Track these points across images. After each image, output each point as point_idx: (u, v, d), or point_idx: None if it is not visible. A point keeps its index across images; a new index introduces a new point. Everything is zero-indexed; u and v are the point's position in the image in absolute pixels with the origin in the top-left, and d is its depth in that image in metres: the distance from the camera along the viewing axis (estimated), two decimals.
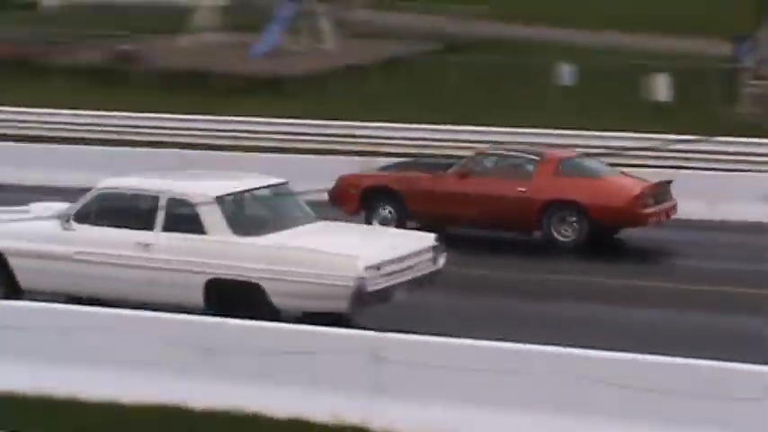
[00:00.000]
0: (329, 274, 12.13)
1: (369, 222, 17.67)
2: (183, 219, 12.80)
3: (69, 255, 12.86)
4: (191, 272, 12.54)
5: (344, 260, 12.30)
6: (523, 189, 17.35)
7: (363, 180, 18.63)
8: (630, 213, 17.10)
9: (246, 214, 13.44)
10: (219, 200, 12.86)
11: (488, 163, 18.26)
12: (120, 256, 12.71)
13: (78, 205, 13.24)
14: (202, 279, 12.52)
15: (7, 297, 12.76)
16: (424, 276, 13.23)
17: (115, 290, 12.87)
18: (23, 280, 13.23)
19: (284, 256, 12.47)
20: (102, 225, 13.00)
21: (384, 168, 19.52)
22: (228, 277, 12.49)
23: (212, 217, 12.68)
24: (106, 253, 12.74)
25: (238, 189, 13.49)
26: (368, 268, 12.30)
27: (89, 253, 12.80)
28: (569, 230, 17.22)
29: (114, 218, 13.04)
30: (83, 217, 13.08)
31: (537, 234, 17.69)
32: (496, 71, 34.15)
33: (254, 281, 12.36)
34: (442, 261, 13.41)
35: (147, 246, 12.71)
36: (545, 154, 18.35)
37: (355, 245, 13.04)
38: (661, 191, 17.88)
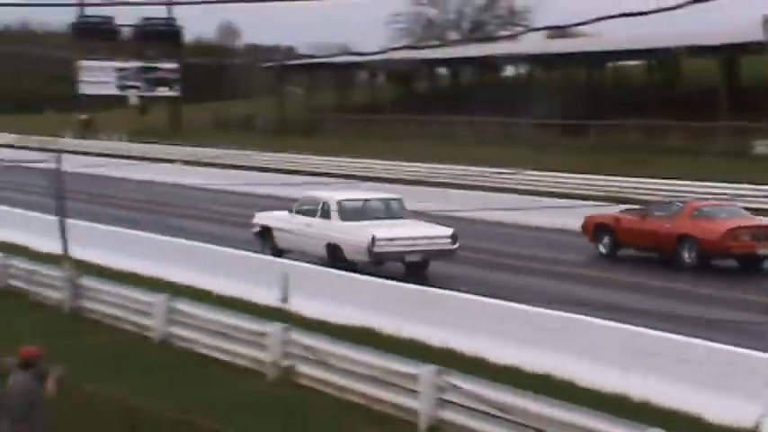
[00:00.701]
0: (361, 241, 22.81)
1: (596, 248, 26.93)
2: (325, 212, 23.91)
3: (290, 229, 24.48)
4: (321, 238, 23.64)
5: (367, 234, 22.76)
6: (668, 226, 25.11)
7: (595, 219, 27.64)
8: (720, 246, 24.42)
9: (352, 210, 24.00)
10: (339, 203, 24.01)
11: (656, 208, 26.52)
12: (300, 230, 24.22)
13: (296, 205, 25.22)
14: (325, 242, 23.50)
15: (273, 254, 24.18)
16: (437, 252, 23.44)
17: (300, 246, 24.39)
18: (278, 242, 25.02)
19: (352, 232, 23.10)
20: (300, 215, 24.67)
21: (622, 211, 27.93)
22: (332, 241, 23.36)
23: (333, 211, 23.79)
24: (298, 229, 24.29)
25: (354, 197, 25.57)
26: (378, 239, 22.70)
27: (295, 229, 24.37)
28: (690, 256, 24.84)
29: (304, 212, 24.63)
30: (296, 211, 24.91)
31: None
32: None
33: (339, 243, 23.19)
34: (455, 246, 23.39)
35: (310, 225, 24.07)
36: (687, 203, 26.36)
37: (387, 229, 23.26)
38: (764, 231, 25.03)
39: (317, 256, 23.49)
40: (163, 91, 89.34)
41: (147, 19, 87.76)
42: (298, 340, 15.31)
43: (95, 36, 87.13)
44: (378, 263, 22.87)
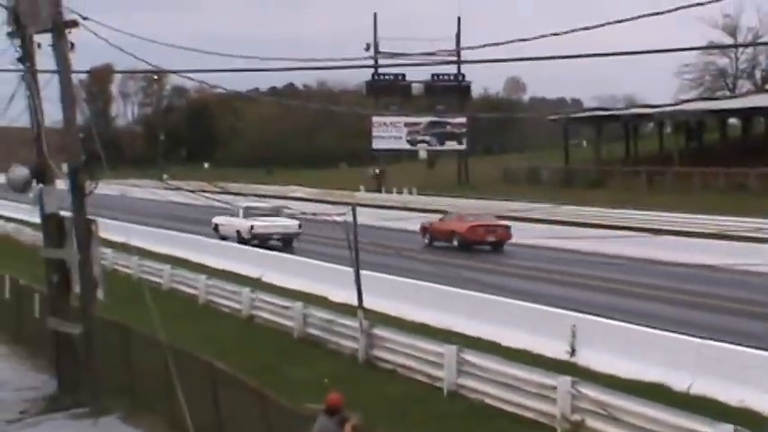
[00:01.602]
0: (247, 228, 43.31)
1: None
2: (237, 214, 44.06)
3: (225, 223, 45.29)
4: (234, 227, 44.21)
5: (250, 224, 43.21)
6: (447, 226, 40.65)
7: (423, 224, 45.74)
8: (467, 235, 42.80)
9: (250, 213, 44.40)
10: (244, 208, 44.36)
11: (446, 216, 43.69)
12: (229, 224, 44.73)
13: (229, 212, 43.76)
14: (235, 229, 43.72)
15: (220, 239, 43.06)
16: (290, 234, 43.50)
17: (229, 233, 44.27)
18: (221, 231, 45.31)
19: (245, 224, 43.59)
20: (230, 216, 44.14)
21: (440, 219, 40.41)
22: (238, 228, 43.85)
23: (241, 213, 43.72)
24: (228, 223, 44.86)
25: (254, 206, 46.61)
26: (255, 227, 43.01)
27: (226, 223, 44.99)
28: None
29: (230, 214, 43.82)
30: (229, 215, 44.16)
31: None
32: None
33: (240, 229, 43.67)
34: (300, 231, 43.25)
35: (231, 221, 44.42)
36: (457, 212, 39.83)
37: (263, 222, 43.44)
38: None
39: (234, 237, 43.23)
40: (451, 145, 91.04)
41: (437, 75, 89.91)
42: (587, 394, 15.23)
43: (388, 93, 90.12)
44: (256, 239, 42.48)
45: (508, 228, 43.57)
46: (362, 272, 21.53)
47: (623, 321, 21.08)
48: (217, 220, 45.72)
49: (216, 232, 45.29)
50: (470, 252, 41.57)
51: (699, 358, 17.52)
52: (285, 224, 43.93)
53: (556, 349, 19.91)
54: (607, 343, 19.33)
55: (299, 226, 43.29)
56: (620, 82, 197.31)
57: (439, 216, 46.92)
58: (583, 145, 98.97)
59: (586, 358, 19.25)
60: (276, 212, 45.17)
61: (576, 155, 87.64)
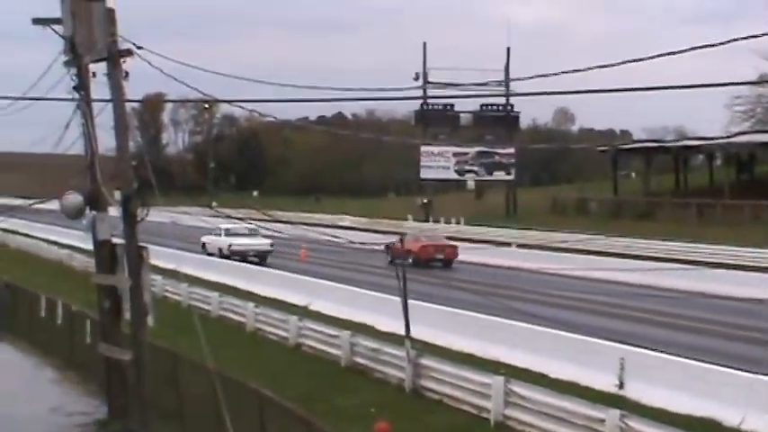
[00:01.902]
0: (227, 246, 50.85)
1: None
2: (219, 233, 51.97)
3: (210, 242, 52.65)
4: (217, 245, 51.63)
5: (229, 242, 50.71)
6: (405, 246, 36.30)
7: (387, 244, 46.04)
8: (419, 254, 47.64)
9: (230, 233, 51.04)
10: (225, 229, 50.70)
11: (407, 237, 41.31)
12: (213, 242, 52.32)
13: (215, 232, 52.25)
14: (218, 247, 51.63)
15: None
16: (263, 252, 50.11)
17: (213, 250, 51.33)
18: (207, 249, 51.55)
19: (225, 242, 51.15)
20: (215, 235, 52.34)
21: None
22: (220, 246, 51.57)
23: (222, 233, 50.78)
24: (213, 242, 52.12)
25: (233, 227, 49.81)
26: (232, 245, 50.45)
27: (212, 242, 52.32)
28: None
29: (215, 234, 52.29)
30: (214, 234, 52.44)
31: None
32: None
33: (221, 247, 51.05)
34: (272, 249, 50.17)
35: (216, 240, 52.49)
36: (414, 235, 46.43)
37: (240, 240, 50.29)
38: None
39: (217, 254, 49.01)
40: (499, 175, 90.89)
41: (486, 105, 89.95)
42: (635, 428, 15.12)
43: (437, 123, 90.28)
44: (235, 255, 48.85)
45: (455, 247, 51.37)
46: (411, 301, 21.56)
47: (674, 355, 20.90)
48: (204, 239, 53.41)
49: (203, 249, 52.30)
50: (495, 278, 41.53)
51: (751, 394, 17.33)
52: (259, 242, 50.20)
53: (604, 382, 19.79)
54: (657, 376, 19.19)
55: (271, 245, 49.99)
56: (671, 113, 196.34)
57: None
58: (632, 176, 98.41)
59: (635, 392, 19.11)
60: (253, 233, 49.88)
61: (624, 186, 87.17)
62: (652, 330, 28.53)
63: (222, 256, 49.68)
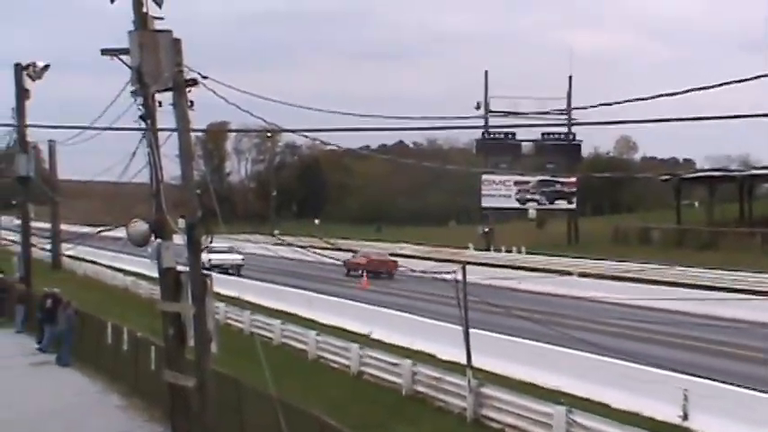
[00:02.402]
0: (208, 260, 38.53)
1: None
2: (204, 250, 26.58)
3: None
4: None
5: (209, 258, 42.02)
6: (355, 260, 61.77)
7: (346, 260, 57.36)
8: (365, 266, 59.76)
9: (212, 250, 35.60)
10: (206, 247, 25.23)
11: (360, 254, 63.36)
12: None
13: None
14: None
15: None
16: (236, 266, 60.27)
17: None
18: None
19: (208, 257, 30.26)
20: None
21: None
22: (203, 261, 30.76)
23: (206, 249, 21.96)
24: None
25: (216, 245, 30.41)
26: (211, 260, 49.91)
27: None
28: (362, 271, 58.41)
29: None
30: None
31: None
32: None
33: (203, 262, 22.37)
34: (243, 263, 61.60)
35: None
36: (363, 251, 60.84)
37: (218, 256, 56.49)
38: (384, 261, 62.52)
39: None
40: (561, 204, 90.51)
41: (547, 134, 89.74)
42: None
43: (498, 151, 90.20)
44: (215, 268, 49.93)
45: (396, 262, 62.21)
46: (472, 330, 21.54)
47: (738, 386, 20.66)
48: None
49: None
50: (557, 307, 41.26)
51: None
52: (234, 257, 61.19)
53: (667, 413, 19.61)
54: (721, 407, 18.98)
55: (243, 259, 62.14)
56: (734, 141, 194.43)
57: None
58: (695, 205, 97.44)
59: (699, 423, 18.92)
60: (229, 250, 60.70)
61: (688, 215, 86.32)
62: (715, 361, 28.21)
63: (204, 268, 56.18)
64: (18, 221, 47.21)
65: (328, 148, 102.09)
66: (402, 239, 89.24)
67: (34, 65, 39.08)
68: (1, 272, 43.96)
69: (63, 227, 67.17)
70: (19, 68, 39.56)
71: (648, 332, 35.16)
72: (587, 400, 21.25)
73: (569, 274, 60.35)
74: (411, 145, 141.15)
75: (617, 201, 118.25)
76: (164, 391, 18.15)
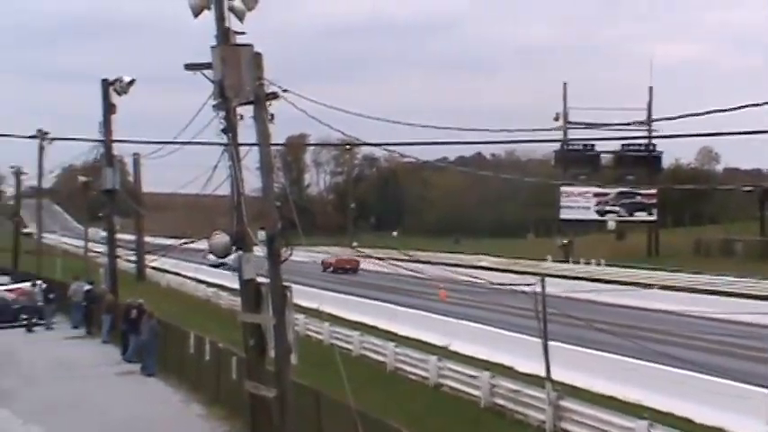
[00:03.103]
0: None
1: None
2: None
3: None
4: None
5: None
6: (330, 260, 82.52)
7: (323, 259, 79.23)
8: (336, 265, 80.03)
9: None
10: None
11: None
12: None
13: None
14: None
15: None
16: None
17: None
18: None
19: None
20: None
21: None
22: None
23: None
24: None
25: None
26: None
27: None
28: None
29: None
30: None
31: None
32: None
33: None
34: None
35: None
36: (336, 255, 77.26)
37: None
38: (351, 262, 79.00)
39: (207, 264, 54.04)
40: (641, 216, 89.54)
41: (627, 145, 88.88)
42: None
43: (577, 163, 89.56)
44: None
45: (358, 261, 77.56)
46: (550, 342, 21.43)
47: None
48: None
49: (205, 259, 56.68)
50: (637, 320, 40.79)
51: None
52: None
53: (753, 429, 19.28)
54: None
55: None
56: None
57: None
58: None
59: None
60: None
61: None
62: None
63: (211, 265, 59.24)
64: (104, 233, 48.09)
65: (406, 160, 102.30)
66: (480, 251, 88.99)
67: (120, 80, 39.71)
68: (91, 283, 44.84)
69: (147, 239, 68.23)
70: (106, 84, 40.25)
71: (732, 346, 34.62)
72: (669, 414, 20.99)
73: (650, 286, 59.67)
74: (489, 156, 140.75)
75: (699, 212, 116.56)
76: (245, 401, 18.35)
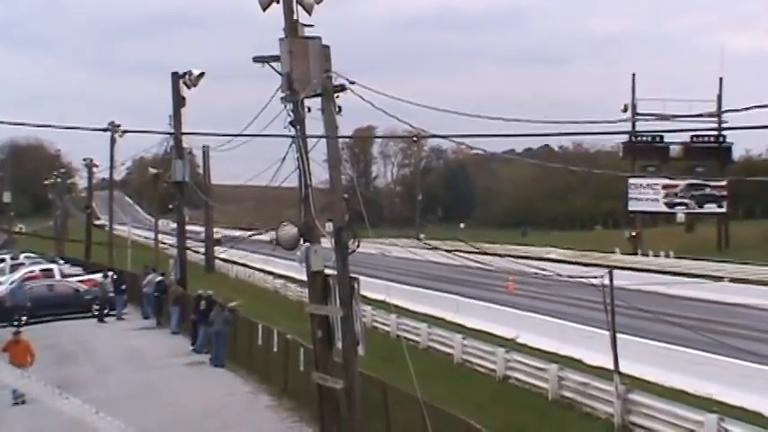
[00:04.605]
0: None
1: None
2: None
3: None
4: None
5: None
6: None
7: None
8: None
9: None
10: None
11: None
12: None
13: None
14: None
15: None
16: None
17: None
18: None
19: None
20: None
21: None
22: None
23: None
24: None
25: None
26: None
27: None
28: None
29: None
30: None
31: None
32: None
33: None
34: None
35: None
36: None
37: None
38: None
39: None
40: (710, 208, 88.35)
41: (696, 136, 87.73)
42: None
43: (645, 155, 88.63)
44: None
45: None
46: (619, 335, 21.26)
47: None
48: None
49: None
50: (708, 313, 40.27)
51: None
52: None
53: None
54: None
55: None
56: None
57: None
58: None
59: None
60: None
61: None
62: None
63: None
64: (174, 225, 48.59)
65: (474, 152, 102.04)
66: (548, 243, 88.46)
67: (190, 73, 40.03)
68: (162, 274, 45.43)
69: (215, 230, 68.84)
70: (176, 77, 40.63)
71: None
72: (741, 408, 20.74)
73: (720, 279, 58.90)
74: (557, 148, 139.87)
75: None
76: (313, 392, 18.48)
